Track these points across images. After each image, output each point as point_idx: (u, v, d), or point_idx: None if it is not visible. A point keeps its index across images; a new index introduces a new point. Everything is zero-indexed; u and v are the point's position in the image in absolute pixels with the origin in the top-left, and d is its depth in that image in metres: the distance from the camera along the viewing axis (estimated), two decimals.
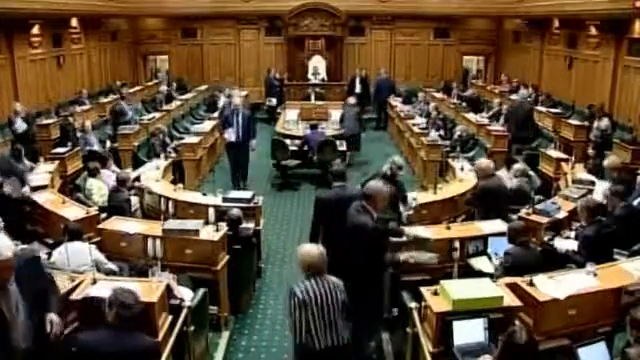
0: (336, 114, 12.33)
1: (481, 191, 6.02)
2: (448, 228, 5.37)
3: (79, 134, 9.64)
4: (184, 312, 4.05)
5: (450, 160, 8.55)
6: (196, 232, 5.05)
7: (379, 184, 4.54)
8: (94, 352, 3.03)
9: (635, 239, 5.09)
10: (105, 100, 12.72)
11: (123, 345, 3.04)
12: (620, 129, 9.89)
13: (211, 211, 5.51)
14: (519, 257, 4.47)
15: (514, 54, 15.79)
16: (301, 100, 14.23)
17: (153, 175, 7.70)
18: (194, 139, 9.68)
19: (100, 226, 5.44)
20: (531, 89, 13.11)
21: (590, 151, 8.06)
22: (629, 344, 3.20)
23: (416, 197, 6.34)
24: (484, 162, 6.26)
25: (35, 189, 6.59)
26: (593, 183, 6.74)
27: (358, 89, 14.79)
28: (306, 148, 9.90)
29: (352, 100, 11.86)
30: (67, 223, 5.03)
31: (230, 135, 8.88)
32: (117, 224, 5.42)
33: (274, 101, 14.55)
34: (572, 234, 5.38)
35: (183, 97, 13.99)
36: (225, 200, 6.28)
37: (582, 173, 7.25)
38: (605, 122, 9.09)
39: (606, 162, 6.75)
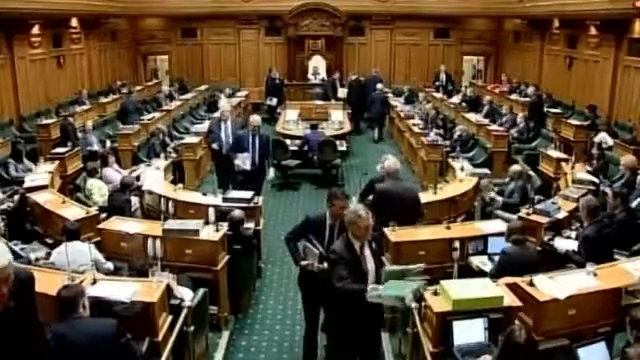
0: (336, 114, 12.34)
1: (378, 194, 5.56)
2: (448, 228, 5.37)
3: (79, 134, 9.65)
4: (184, 312, 4.05)
5: (450, 160, 8.54)
6: (196, 232, 5.05)
7: (356, 210, 3.76)
8: (57, 343, 3.04)
9: (635, 241, 5.11)
10: (105, 100, 12.74)
11: (81, 333, 3.06)
12: (620, 129, 9.90)
13: (211, 211, 5.50)
14: (514, 255, 4.49)
15: (514, 54, 15.79)
16: (301, 100, 14.21)
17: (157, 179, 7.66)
18: (194, 139, 9.67)
19: (100, 226, 5.44)
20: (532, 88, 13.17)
21: (594, 151, 8.06)
22: (629, 344, 3.20)
23: None
24: (389, 161, 5.68)
25: (35, 189, 6.59)
26: (593, 183, 6.75)
27: (341, 93, 14.13)
28: (306, 148, 9.89)
29: (380, 86, 13.54)
30: (65, 223, 5.03)
31: (244, 162, 7.33)
32: (117, 224, 5.42)
33: (275, 101, 14.55)
34: (573, 234, 5.38)
35: (183, 97, 14.00)
36: (225, 200, 6.28)
37: (582, 173, 7.25)
38: (600, 136, 9.06)
39: (623, 160, 6.73)
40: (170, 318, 3.93)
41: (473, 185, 7.19)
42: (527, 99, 12.11)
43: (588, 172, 7.34)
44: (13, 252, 4.89)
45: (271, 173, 7.91)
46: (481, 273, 4.77)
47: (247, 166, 7.34)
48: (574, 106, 11.84)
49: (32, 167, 7.98)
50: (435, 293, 3.74)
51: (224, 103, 8.83)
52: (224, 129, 8.01)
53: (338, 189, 4.44)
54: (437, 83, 15.44)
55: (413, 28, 16.35)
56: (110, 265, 4.82)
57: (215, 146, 8.00)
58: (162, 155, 8.77)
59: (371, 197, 5.68)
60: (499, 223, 5.42)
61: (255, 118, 7.66)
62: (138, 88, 14.36)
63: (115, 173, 7.59)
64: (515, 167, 7.19)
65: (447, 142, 9.89)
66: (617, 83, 10.63)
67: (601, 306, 3.88)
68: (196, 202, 6.52)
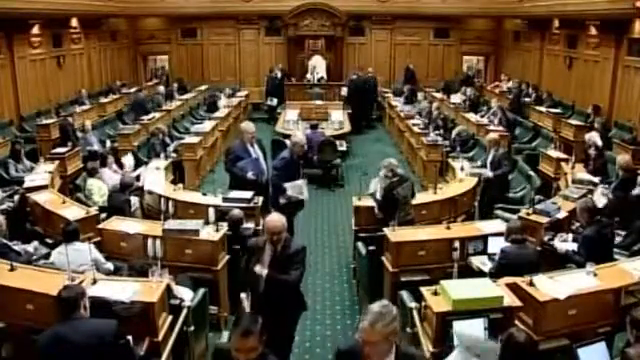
0: (336, 114, 12.36)
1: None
2: (448, 228, 5.37)
3: (79, 134, 9.65)
4: (184, 312, 4.06)
5: (450, 160, 8.55)
6: (196, 232, 5.05)
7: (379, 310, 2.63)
8: (57, 344, 3.07)
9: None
10: (105, 100, 12.74)
11: (81, 333, 3.08)
12: (620, 129, 9.90)
13: (211, 211, 5.50)
14: (513, 254, 4.50)
15: (514, 54, 15.79)
16: (301, 100, 14.21)
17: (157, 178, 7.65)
18: (194, 139, 9.67)
19: (100, 226, 5.44)
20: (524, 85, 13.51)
21: (591, 151, 8.07)
22: (629, 344, 3.20)
23: None
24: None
25: (35, 189, 6.59)
26: (593, 183, 6.75)
27: (344, 91, 14.35)
28: (306, 148, 9.86)
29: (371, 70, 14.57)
30: (64, 224, 5.02)
31: (301, 191, 6.15)
32: (117, 224, 5.42)
33: (275, 101, 14.52)
34: (570, 236, 5.37)
35: (183, 97, 14.00)
36: (225, 200, 6.28)
37: (582, 173, 7.25)
38: (589, 135, 9.05)
39: (618, 159, 6.75)
40: (170, 318, 3.93)
41: (473, 185, 7.19)
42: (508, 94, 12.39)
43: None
44: (13, 251, 4.91)
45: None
46: (481, 273, 4.77)
47: (306, 195, 6.11)
48: (574, 106, 11.84)
49: (32, 167, 7.98)
50: (435, 293, 3.74)
51: (246, 123, 7.20)
52: (253, 153, 6.58)
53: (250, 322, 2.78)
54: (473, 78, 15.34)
55: (413, 28, 16.35)
56: (110, 265, 4.82)
57: (251, 176, 6.45)
58: (162, 155, 8.76)
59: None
60: (499, 223, 5.42)
61: (298, 140, 6.32)
62: (135, 89, 14.38)
63: (112, 175, 7.56)
64: (491, 135, 7.74)
65: (447, 142, 9.88)
66: (617, 83, 10.61)
67: (601, 306, 3.89)
68: (196, 202, 6.52)
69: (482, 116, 11.68)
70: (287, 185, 6.07)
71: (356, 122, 13.45)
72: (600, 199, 5.99)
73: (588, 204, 5.08)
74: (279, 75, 15.06)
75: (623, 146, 8.37)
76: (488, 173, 7.15)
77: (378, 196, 5.85)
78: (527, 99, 12.90)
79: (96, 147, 9.28)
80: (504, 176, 7.29)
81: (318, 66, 15.60)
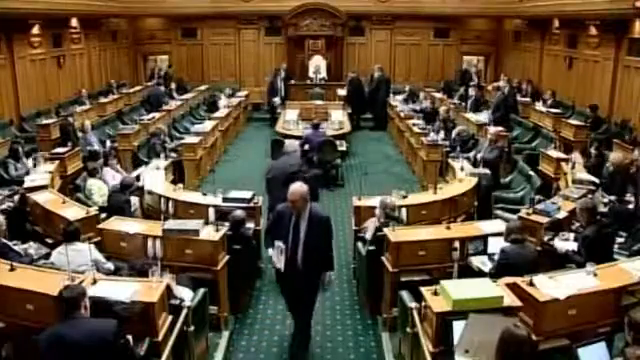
0: (336, 114, 12.36)
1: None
2: (448, 228, 5.37)
3: (79, 134, 9.66)
4: (184, 312, 4.06)
5: (450, 160, 8.55)
6: (196, 232, 5.05)
7: None
8: (57, 343, 3.07)
9: None
10: (105, 100, 12.74)
11: (81, 333, 3.08)
12: (620, 129, 9.91)
13: (211, 211, 5.50)
14: (513, 254, 4.50)
15: (514, 54, 15.80)
16: (301, 100, 14.18)
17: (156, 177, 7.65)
18: (194, 139, 9.67)
19: (100, 226, 5.44)
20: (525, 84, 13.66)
21: (592, 150, 8.08)
22: (628, 345, 3.21)
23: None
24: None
25: (35, 189, 6.59)
26: (593, 183, 6.76)
27: (343, 91, 14.34)
28: (306, 148, 9.88)
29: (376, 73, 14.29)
30: (64, 224, 5.01)
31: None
32: (117, 224, 5.42)
33: (277, 101, 14.41)
34: (571, 236, 5.38)
35: (183, 97, 14.00)
36: (225, 200, 6.28)
37: (582, 173, 7.25)
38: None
39: (611, 157, 6.76)
40: (170, 318, 3.93)
41: (473, 185, 7.19)
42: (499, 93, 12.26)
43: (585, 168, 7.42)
44: (13, 251, 4.91)
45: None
46: (481, 273, 4.77)
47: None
48: (574, 106, 11.84)
49: (31, 166, 7.96)
50: (435, 293, 3.74)
51: (296, 187, 6.19)
52: (293, 225, 4.54)
53: None
54: (472, 83, 14.63)
55: (413, 28, 16.34)
56: (110, 265, 4.82)
57: (273, 256, 4.65)
58: (162, 155, 8.76)
59: None
60: (499, 223, 5.42)
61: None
62: (134, 90, 14.38)
63: (112, 174, 7.57)
64: (492, 130, 8.37)
65: (447, 142, 9.86)
66: (617, 83, 10.63)
67: (601, 306, 3.89)
68: (196, 202, 6.51)
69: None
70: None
71: (353, 121, 13.45)
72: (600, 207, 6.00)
73: (588, 204, 5.09)
74: (284, 75, 14.97)
75: (623, 146, 8.37)
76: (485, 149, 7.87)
77: (368, 236, 5.49)
78: (526, 99, 12.89)
79: (96, 147, 9.29)
80: (495, 166, 7.82)
81: (320, 67, 15.56)
